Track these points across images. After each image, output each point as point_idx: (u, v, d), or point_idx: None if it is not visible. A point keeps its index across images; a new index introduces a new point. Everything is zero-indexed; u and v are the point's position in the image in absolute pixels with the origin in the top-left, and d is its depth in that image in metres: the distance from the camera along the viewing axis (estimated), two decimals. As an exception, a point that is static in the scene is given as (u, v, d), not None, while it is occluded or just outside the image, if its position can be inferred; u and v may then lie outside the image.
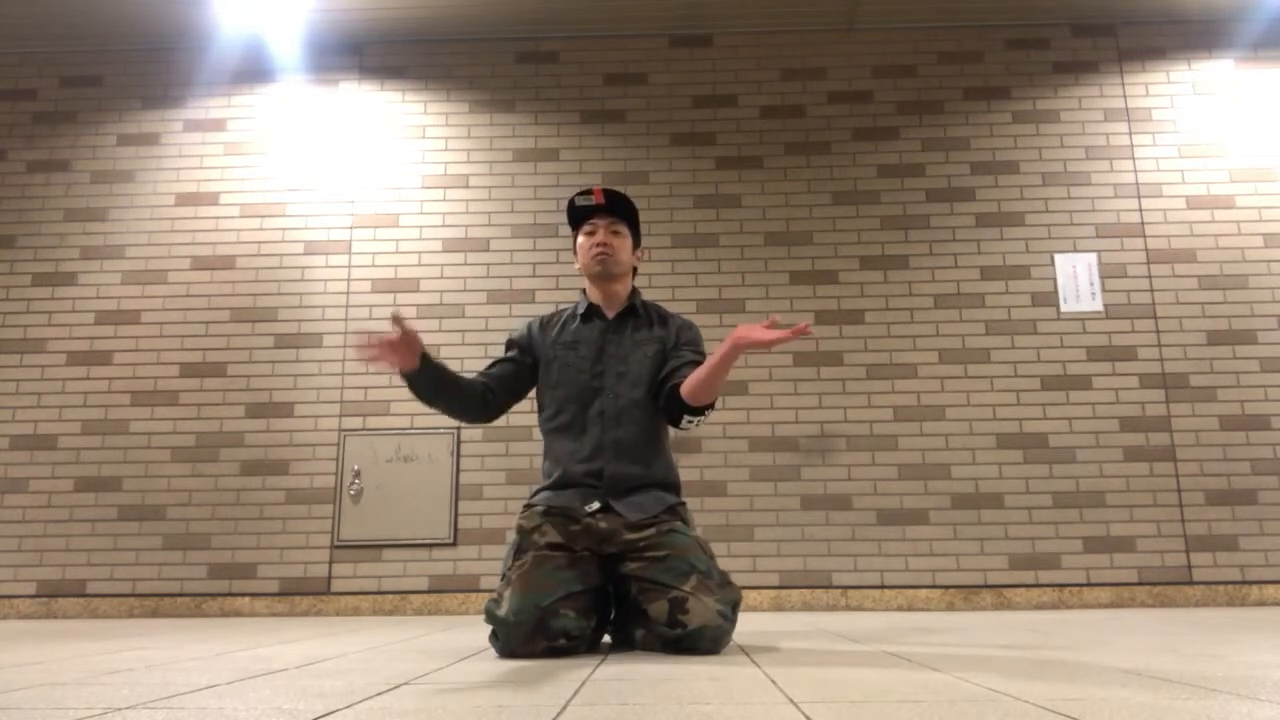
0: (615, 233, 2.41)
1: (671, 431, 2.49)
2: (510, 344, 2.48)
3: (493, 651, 2.21)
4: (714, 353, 2.17)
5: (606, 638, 2.53)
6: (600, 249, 2.39)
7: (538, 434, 4.71)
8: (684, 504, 2.39)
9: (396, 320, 2.12)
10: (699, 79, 5.17)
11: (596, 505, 2.26)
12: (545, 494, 2.34)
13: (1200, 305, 4.77)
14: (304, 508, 4.66)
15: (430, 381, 2.26)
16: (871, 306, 4.83)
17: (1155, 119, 5.03)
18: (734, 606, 2.13)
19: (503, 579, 2.20)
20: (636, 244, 2.49)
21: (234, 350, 4.87)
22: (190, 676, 1.70)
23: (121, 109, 5.23)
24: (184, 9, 4.96)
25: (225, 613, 4.54)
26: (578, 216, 2.45)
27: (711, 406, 2.28)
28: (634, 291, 2.49)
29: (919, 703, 1.25)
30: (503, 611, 2.07)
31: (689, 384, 2.22)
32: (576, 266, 2.47)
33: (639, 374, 2.36)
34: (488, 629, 3.22)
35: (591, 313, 2.45)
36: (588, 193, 2.40)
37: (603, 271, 2.40)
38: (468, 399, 2.34)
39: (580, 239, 2.44)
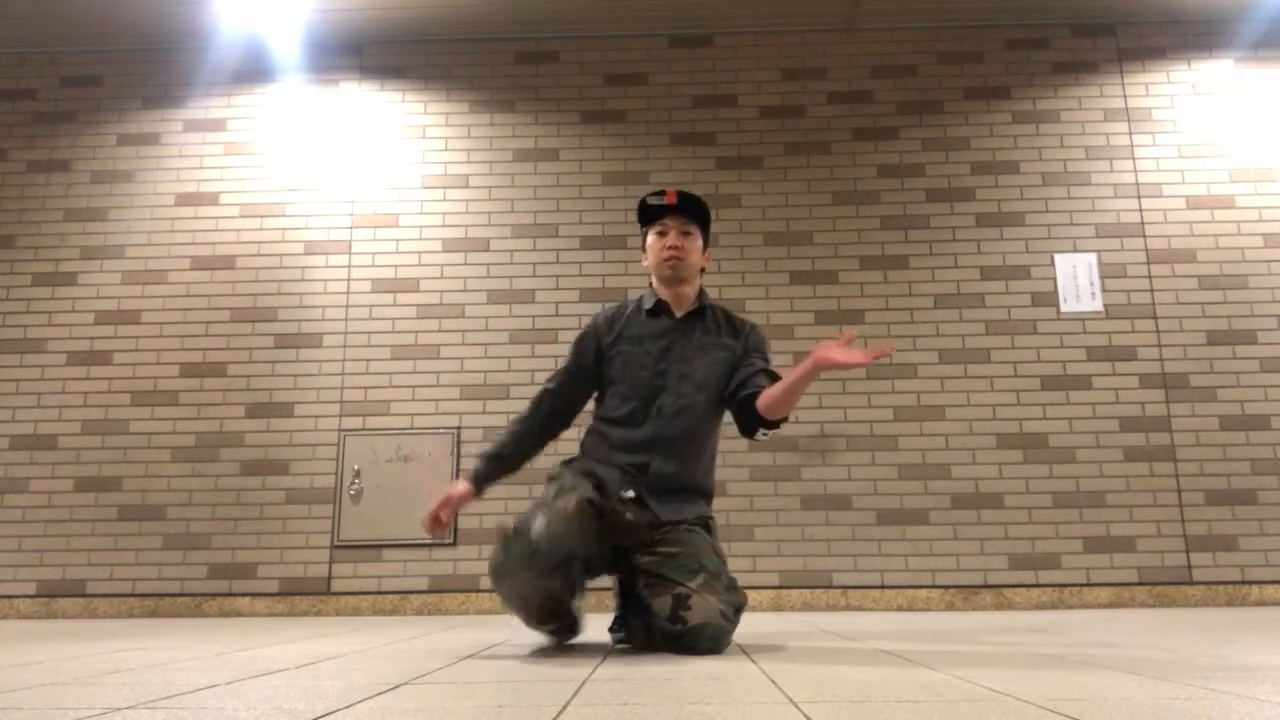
0: (686, 234, 2.39)
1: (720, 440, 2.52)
2: (576, 350, 2.45)
3: (493, 651, 2.20)
4: (792, 371, 2.18)
5: (607, 638, 2.53)
6: (671, 252, 2.37)
7: (538, 434, 4.70)
8: (713, 518, 2.41)
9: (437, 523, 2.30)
10: (699, 79, 5.17)
11: (632, 494, 2.27)
12: (587, 461, 2.35)
13: (1200, 305, 4.77)
14: (304, 508, 4.66)
15: (497, 479, 2.39)
16: (871, 306, 4.83)
17: (1155, 119, 5.03)
18: (737, 609, 2.14)
19: (539, 505, 2.11)
20: (706, 245, 2.47)
21: (234, 350, 4.87)
22: (190, 676, 1.70)
23: (121, 109, 5.23)
24: (184, 9, 4.96)
25: (225, 613, 4.54)
26: (648, 215, 2.43)
27: (785, 419, 2.30)
28: (702, 293, 2.47)
29: (919, 703, 1.25)
30: (535, 532, 1.99)
31: (766, 399, 2.23)
32: (645, 264, 2.46)
33: (704, 378, 2.35)
34: (486, 628, 3.22)
35: (659, 309, 2.43)
36: (661, 193, 2.39)
37: (673, 275, 2.39)
38: (531, 453, 2.43)
39: (651, 238, 2.43)
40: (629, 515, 2.23)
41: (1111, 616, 3.58)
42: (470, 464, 4.64)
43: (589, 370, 2.43)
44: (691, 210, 2.40)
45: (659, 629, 2.10)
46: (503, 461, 2.37)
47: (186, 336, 4.90)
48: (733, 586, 2.18)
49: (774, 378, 2.34)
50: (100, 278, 5.00)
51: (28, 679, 1.69)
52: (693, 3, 4.96)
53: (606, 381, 2.41)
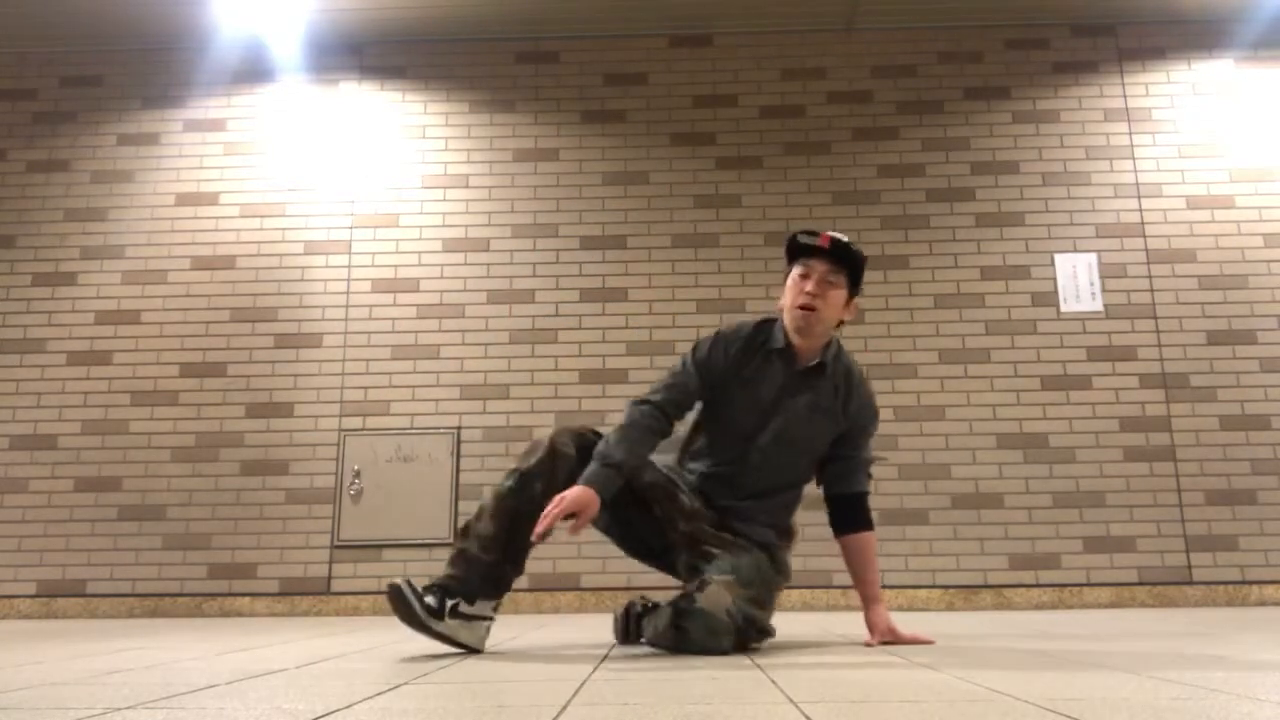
0: (831, 283, 2.18)
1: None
2: (703, 373, 2.26)
3: (492, 651, 2.20)
4: (873, 592, 2.31)
5: (608, 638, 2.52)
6: (807, 299, 2.17)
7: (537, 434, 4.70)
8: (783, 547, 2.31)
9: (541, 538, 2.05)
10: (699, 79, 5.17)
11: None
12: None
13: (1200, 305, 4.77)
14: (304, 508, 4.66)
15: (618, 490, 2.14)
16: (871, 306, 4.83)
17: (1155, 119, 5.03)
18: (749, 620, 2.04)
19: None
20: (854, 297, 2.26)
21: (234, 350, 4.87)
22: (190, 676, 1.70)
23: (121, 109, 5.23)
24: (184, 9, 4.96)
25: (225, 613, 4.54)
26: (797, 252, 2.25)
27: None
28: (829, 345, 2.27)
29: (919, 703, 1.25)
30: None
31: (848, 549, 2.31)
32: (780, 302, 2.28)
33: (805, 445, 2.28)
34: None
35: (784, 353, 2.26)
36: (814, 233, 2.20)
37: (803, 328, 2.20)
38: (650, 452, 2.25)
39: (793, 276, 2.23)
40: (695, 504, 2.25)
41: (1111, 616, 3.58)
42: (469, 464, 4.65)
43: (704, 390, 2.28)
44: (843, 258, 2.19)
45: (670, 603, 2.07)
46: (622, 475, 2.11)
47: (186, 336, 4.90)
48: (759, 603, 2.10)
49: (867, 465, 2.36)
50: (100, 278, 5.00)
51: (28, 679, 1.69)
52: (693, 3, 4.96)
53: (715, 401, 2.29)
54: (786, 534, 2.36)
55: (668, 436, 2.21)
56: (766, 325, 2.30)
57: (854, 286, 2.24)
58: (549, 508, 1.99)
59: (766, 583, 2.19)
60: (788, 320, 2.24)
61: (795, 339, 2.24)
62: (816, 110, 5.11)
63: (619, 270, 4.92)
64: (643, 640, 2.28)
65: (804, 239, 2.21)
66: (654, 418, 2.16)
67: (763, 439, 2.25)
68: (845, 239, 2.20)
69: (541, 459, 2.10)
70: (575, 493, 2.00)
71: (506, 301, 4.89)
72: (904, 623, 2.66)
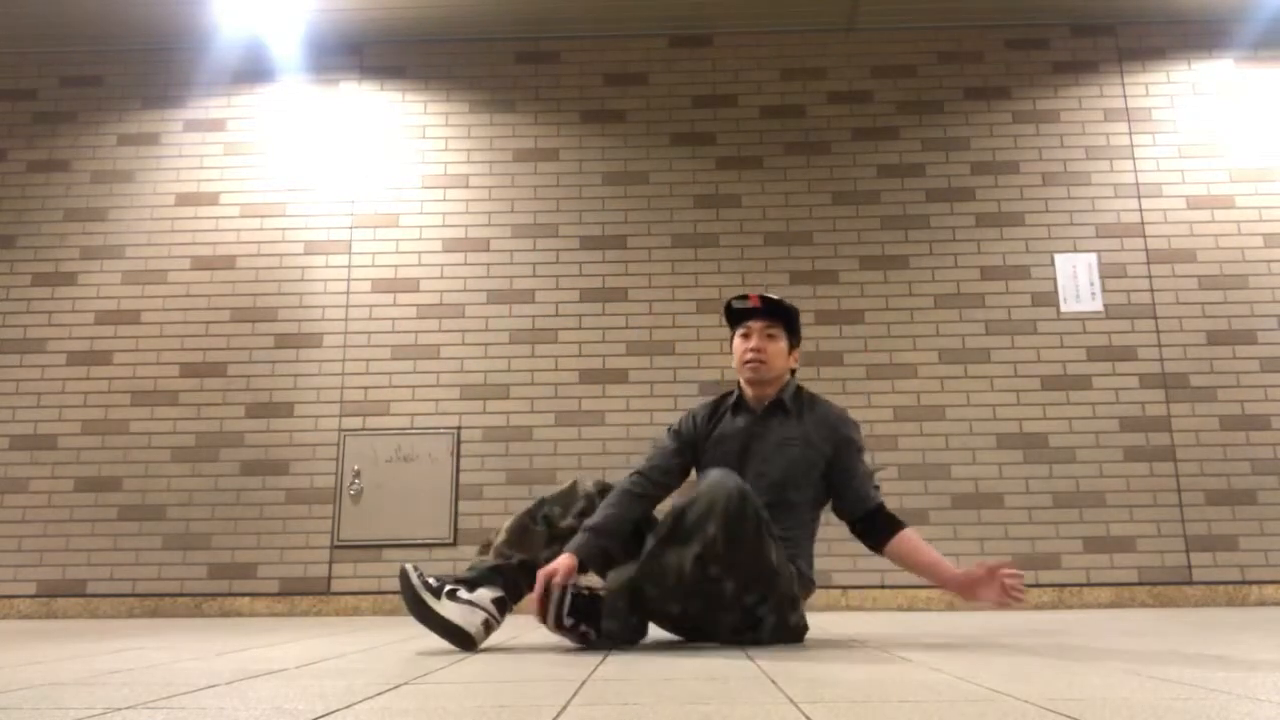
0: (770, 336, 2.44)
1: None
2: (677, 439, 2.47)
3: (492, 651, 2.20)
4: (942, 570, 2.28)
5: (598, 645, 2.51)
6: (753, 354, 2.42)
7: (537, 434, 4.71)
8: (772, 595, 2.19)
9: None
10: (699, 79, 5.17)
11: None
12: None
13: (1200, 305, 4.77)
14: (304, 508, 4.66)
15: (601, 554, 2.24)
16: (871, 306, 4.83)
17: (1155, 119, 5.03)
18: (756, 509, 2.10)
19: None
20: (795, 346, 2.52)
21: (234, 350, 4.88)
22: (190, 676, 1.70)
23: (121, 109, 5.23)
24: (184, 9, 4.96)
25: (225, 613, 4.54)
26: (734, 316, 2.49)
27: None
28: (784, 388, 2.48)
29: (919, 703, 1.25)
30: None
31: (900, 554, 2.33)
32: (735, 364, 2.51)
33: (779, 477, 2.37)
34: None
35: (740, 406, 2.49)
36: (744, 297, 2.46)
37: (755, 379, 2.44)
38: (631, 526, 2.31)
39: (736, 340, 2.49)
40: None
41: (1111, 616, 3.58)
42: (469, 464, 4.65)
43: (687, 460, 2.49)
44: (776, 313, 2.45)
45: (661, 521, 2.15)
46: (600, 537, 2.23)
47: (186, 336, 4.90)
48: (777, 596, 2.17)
49: (871, 478, 2.41)
50: (100, 278, 5.00)
51: (28, 679, 1.69)
52: (693, 3, 4.97)
53: (700, 468, 2.49)
54: (795, 580, 2.31)
55: (651, 498, 2.36)
56: (728, 393, 2.56)
57: (793, 336, 2.51)
58: (537, 587, 2.13)
59: (777, 576, 2.21)
60: (741, 378, 2.50)
61: (749, 391, 2.49)
62: (816, 110, 5.11)
63: (619, 270, 4.92)
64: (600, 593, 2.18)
65: (737, 304, 2.47)
66: (634, 482, 2.35)
67: (745, 480, 2.33)
68: (774, 296, 2.45)
69: (561, 492, 2.37)
70: (550, 566, 2.15)
71: (506, 301, 4.90)
72: (901, 621, 2.65)
